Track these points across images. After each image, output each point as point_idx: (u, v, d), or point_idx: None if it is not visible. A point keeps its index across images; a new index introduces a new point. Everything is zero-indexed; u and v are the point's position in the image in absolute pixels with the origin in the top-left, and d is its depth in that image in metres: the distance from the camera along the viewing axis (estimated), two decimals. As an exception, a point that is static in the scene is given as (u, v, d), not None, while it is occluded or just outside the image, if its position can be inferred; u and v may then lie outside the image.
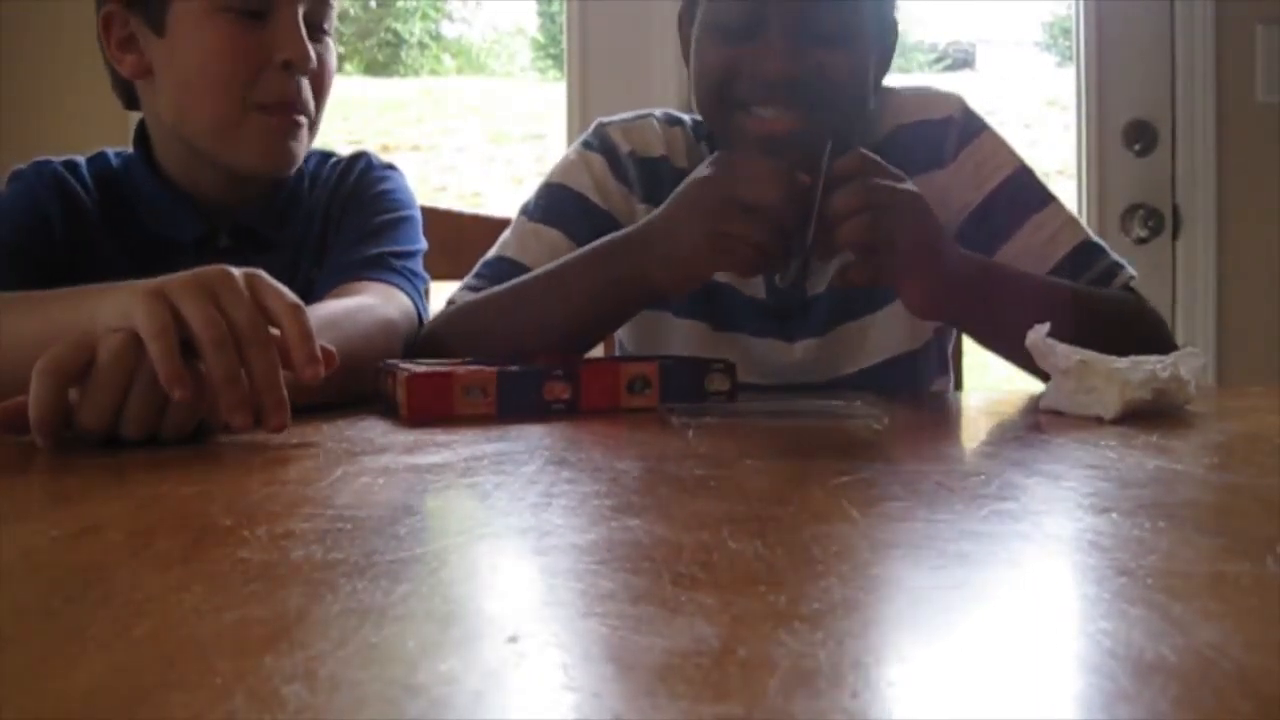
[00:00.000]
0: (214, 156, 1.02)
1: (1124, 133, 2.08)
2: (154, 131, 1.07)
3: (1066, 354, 0.79)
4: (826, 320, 1.10)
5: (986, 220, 1.05)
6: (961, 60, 3.21)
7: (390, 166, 1.16)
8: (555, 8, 2.72)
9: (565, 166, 1.13)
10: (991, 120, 1.13)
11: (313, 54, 1.00)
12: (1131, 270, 1.06)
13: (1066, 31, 2.33)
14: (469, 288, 1.08)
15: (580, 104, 2.07)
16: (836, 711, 0.24)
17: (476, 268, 1.10)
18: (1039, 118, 2.73)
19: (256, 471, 0.59)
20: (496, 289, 1.02)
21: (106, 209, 1.05)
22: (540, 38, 3.13)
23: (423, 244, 1.12)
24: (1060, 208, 1.07)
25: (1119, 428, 0.71)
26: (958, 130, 1.08)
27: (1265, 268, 2.05)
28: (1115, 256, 1.06)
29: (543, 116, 3.00)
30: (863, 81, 1.02)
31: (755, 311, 1.10)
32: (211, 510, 0.47)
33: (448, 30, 3.36)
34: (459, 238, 1.43)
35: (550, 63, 3.00)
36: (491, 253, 1.11)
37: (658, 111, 1.17)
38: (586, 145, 1.13)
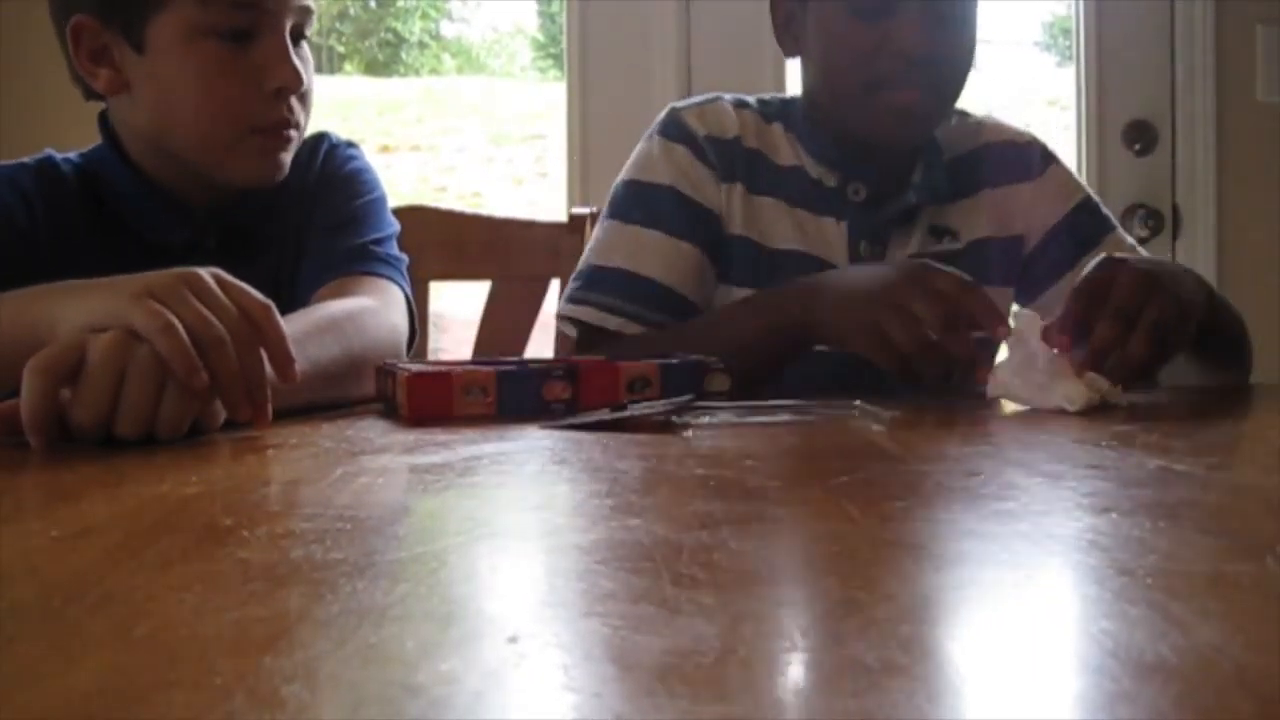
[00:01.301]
0: (201, 170, 1.00)
1: (1124, 133, 2.08)
2: (126, 134, 1.03)
3: (1041, 347, 0.82)
4: None
5: (1072, 233, 1.17)
6: (961, 60, 3.20)
7: (351, 144, 1.14)
8: (555, 8, 2.71)
9: (647, 162, 1.13)
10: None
11: (303, 74, 0.98)
12: None
13: (1066, 31, 2.33)
14: (575, 300, 1.09)
15: (580, 104, 2.06)
16: (837, 711, 0.24)
17: (581, 279, 1.10)
18: (1039, 118, 2.73)
19: (256, 471, 0.59)
20: (653, 333, 1.05)
21: (89, 211, 1.03)
22: (540, 38, 3.12)
23: (396, 225, 1.11)
24: (1125, 234, 1.21)
25: (1119, 427, 0.71)
26: (1039, 153, 1.21)
27: (1265, 268, 2.05)
28: None
29: (543, 116, 3.00)
30: (969, 69, 1.08)
31: None
32: (211, 510, 0.47)
33: (448, 30, 3.36)
34: (459, 238, 1.43)
35: (550, 63, 2.99)
36: (592, 261, 1.10)
37: (725, 95, 1.18)
38: (665, 135, 1.13)
